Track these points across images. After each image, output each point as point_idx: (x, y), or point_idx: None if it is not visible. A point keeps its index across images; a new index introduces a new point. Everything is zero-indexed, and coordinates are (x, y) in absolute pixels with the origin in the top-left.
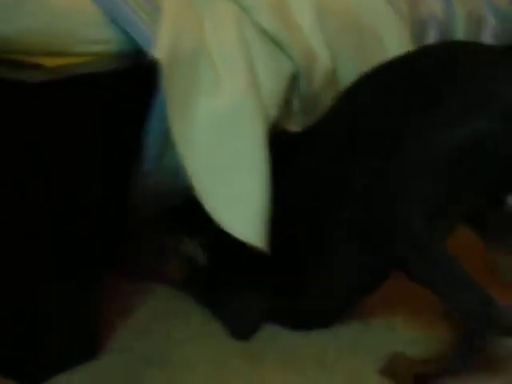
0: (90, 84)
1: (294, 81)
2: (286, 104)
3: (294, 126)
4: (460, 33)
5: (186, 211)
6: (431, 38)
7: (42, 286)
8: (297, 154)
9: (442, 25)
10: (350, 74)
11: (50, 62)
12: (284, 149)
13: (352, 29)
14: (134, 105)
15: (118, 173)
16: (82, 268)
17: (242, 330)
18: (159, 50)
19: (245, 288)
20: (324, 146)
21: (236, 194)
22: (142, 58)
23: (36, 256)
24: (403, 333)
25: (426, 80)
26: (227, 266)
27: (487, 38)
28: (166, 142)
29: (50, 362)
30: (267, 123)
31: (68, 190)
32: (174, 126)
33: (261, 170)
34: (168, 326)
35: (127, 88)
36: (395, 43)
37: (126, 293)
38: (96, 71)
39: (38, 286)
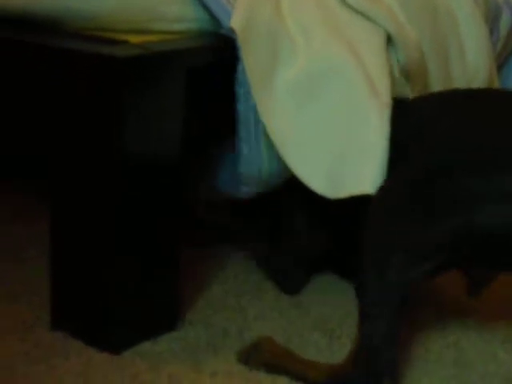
0: (175, 60)
1: (390, 49)
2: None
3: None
4: None
5: None
6: (504, 22)
7: (122, 258)
8: None
9: None
10: (427, 53)
11: (134, 39)
12: None
13: (428, 8)
14: (218, 83)
15: (196, 153)
16: (159, 240)
17: (289, 285)
18: (235, 20)
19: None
20: None
21: (321, 154)
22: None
23: (115, 231)
24: None
25: None
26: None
27: None
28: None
29: (132, 331)
30: (360, 87)
31: (148, 168)
32: (255, 95)
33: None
34: (242, 302)
35: (211, 65)
36: (469, 25)
37: (198, 268)
38: (180, 47)
39: (118, 259)
